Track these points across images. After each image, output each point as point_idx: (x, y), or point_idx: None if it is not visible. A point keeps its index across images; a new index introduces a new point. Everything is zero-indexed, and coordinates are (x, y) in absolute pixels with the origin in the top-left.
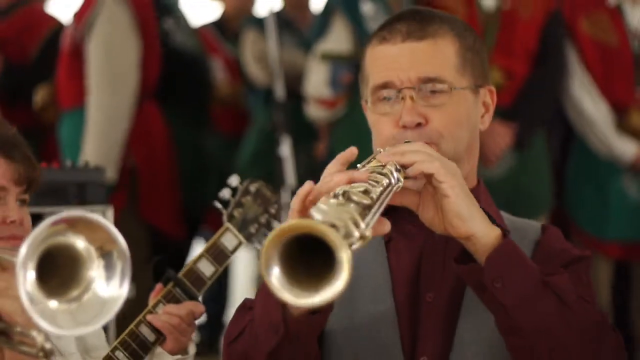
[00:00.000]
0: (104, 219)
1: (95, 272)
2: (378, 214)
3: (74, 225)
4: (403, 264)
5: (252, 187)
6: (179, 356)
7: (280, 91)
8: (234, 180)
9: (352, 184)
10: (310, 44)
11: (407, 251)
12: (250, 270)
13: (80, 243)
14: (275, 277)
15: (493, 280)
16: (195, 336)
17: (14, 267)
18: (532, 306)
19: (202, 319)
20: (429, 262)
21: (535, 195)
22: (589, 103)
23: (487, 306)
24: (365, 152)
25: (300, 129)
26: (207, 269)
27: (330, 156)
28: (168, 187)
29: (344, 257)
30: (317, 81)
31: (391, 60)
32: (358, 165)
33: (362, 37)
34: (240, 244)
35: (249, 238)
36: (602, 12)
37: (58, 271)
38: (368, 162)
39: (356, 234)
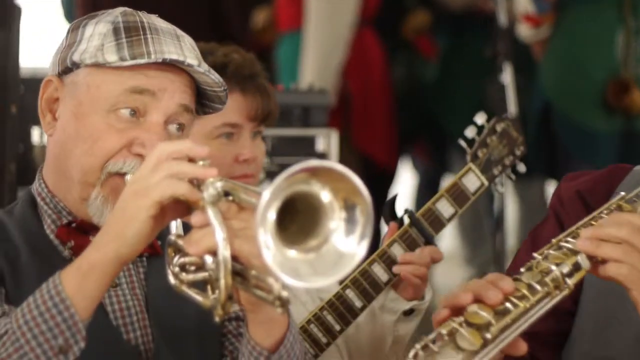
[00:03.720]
0: (329, 141)
1: (335, 223)
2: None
3: (317, 174)
4: None
5: (499, 127)
6: (415, 302)
7: (502, 17)
8: (480, 117)
9: (482, 303)
10: None
11: None
12: None
13: (323, 193)
14: None
15: None
16: None
17: (252, 208)
18: None
19: None
20: None
21: None
22: None
23: None
24: (572, 79)
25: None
26: (446, 209)
27: (538, 80)
28: (382, 115)
29: None
30: None
31: None
32: (553, 239)
33: None
34: (482, 185)
35: (492, 180)
36: None
37: (298, 219)
38: (568, 235)
39: None
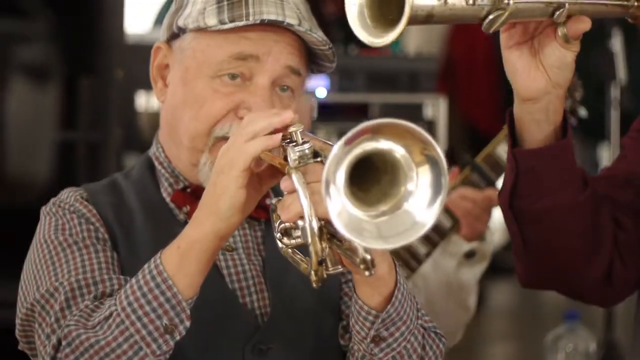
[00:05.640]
0: (437, 107)
1: (411, 185)
2: None
3: (381, 131)
4: None
5: None
6: (475, 243)
7: None
8: None
9: None
10: None
11: None
12: None
13: (398, 150)
14: None
15: None
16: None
17: None
18: None
19: None
20: None
21: None
22: None
23: None
24: None
25: None
26: (506, 153)
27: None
28: (486, 81)
29: None
30: None
31: None
32: None
33: None
34: None
35: None
36: None
37: (374, 180)
38: None
39: None
